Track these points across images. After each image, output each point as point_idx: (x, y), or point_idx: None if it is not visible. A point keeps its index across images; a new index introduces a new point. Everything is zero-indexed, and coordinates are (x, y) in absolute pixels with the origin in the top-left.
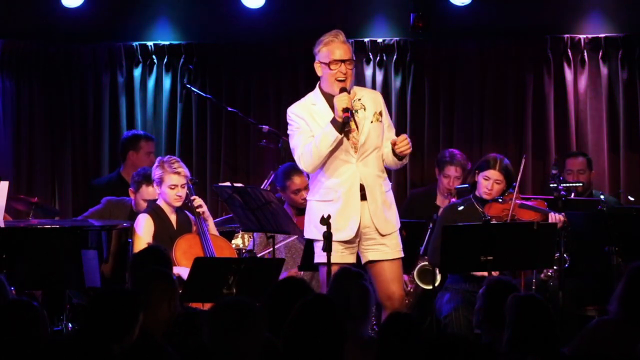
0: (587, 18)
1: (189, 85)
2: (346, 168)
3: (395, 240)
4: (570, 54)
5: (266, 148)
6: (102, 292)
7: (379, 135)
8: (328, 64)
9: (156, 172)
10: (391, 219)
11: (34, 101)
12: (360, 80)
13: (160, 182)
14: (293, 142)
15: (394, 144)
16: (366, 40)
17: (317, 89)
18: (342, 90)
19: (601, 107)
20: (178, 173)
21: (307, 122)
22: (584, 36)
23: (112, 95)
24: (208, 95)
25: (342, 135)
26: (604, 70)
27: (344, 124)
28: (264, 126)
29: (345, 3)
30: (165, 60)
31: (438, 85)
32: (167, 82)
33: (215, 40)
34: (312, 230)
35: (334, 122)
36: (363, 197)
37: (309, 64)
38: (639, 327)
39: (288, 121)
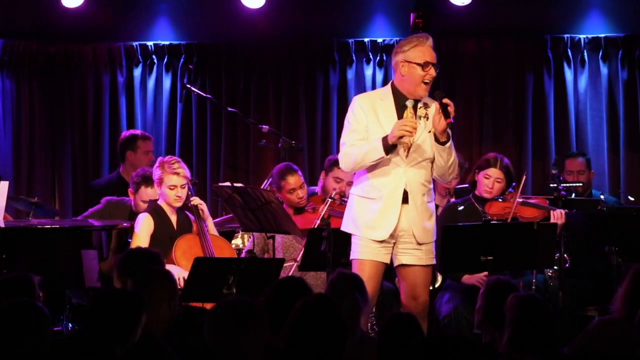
0: (587, 18)
1: (189, 85)
2: (394, 170)
3: (430, 248)
4: (570, 54)
5: (266, 148)
6: (104, 293)
7: (432, 147)
8: (422, 65)
9: (156, 173)
10: (430, 230)
11: (34, 101)
12: (360, 81)
13: (160, 182)
14: (343, 137)
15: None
16: (366, 40)
17: (389, 86)
18: (436, 93)
19: (601, 107)
20: (177, 174)
21: (367, 116)
22: (584, 36)
23: (112, 95)
24: (208, 95)
25: (387, 156)
26: (604, 70)
27: (394, 146)
28: (264, 126)
29: (345, 3)
30: (165, 60)
31: (438, 86)
32: (167, 82)
33: (215, 40)
34: (350, 224)
35: (384, 140)
36: (405, 201)
37: (309, 64)
38: None
39: (350, 110)
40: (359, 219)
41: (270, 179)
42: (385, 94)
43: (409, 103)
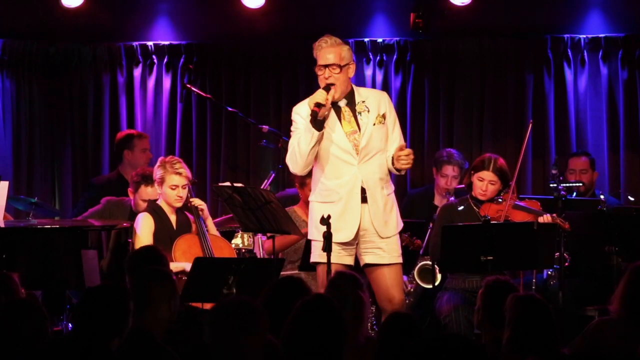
0: (587, 18)
1: (189, 85)
2: (347, 170)
3: (394, 245)
4: (570, 54)
5: (266, 148)
6: (87, 290)
7: (382, 138)
8: (319, 69)
9: (157, 172)
10: (391, 223)
11: (34, 101)
12: (360, 80)
13: (162, 182)
14: (289, 143)
15: (396, 157)
16: (366, 40)
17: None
18: (327, 86)
19: (601, 107)
20: (179, 174)
21: (307, 120)
22: (584, 36)
23: (112, 95)
24: (208, 95)
25: (320, 132)
26: (604, 70)
27: (322, 121)
28: (264, 126)
29: (345, 3)
30: (165, 60)
31: (438, 85)
32: (167, 82)
33: (215, 40)
34: (313, 231)
35: (311, 119)
36: (364, 199)
37: (309, 64)
38: (639, 327)
39: (292, 119)
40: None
41: (271, 179)
42: None
43: (342, 103)
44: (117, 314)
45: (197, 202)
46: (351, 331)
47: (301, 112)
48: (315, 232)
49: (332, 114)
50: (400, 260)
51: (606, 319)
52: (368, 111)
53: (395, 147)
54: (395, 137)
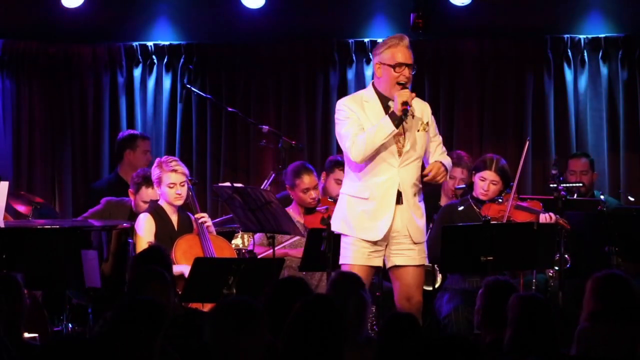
0: (587, 18)
1: (189, 85)
2: (387, 170)
3: (423, 247)
4: (570, 54)
5: (266, 148)
6: (128, 303)
7: (422, 145)
8: (393, 67)
9: (155, 173)
10: (423, 229)
11: (34, 101)
12: (360, 81)
13: (159, 182)
14: (343, 131)
15: (427, 174)
16: (366, 40)
17: (370, 87)
18: (403, 87)
19: (601, 107)
20: (175, 171)
21: (358, 114)
22: (584, 36)
23: (112, 95)
24: (208, 95)
25: (397, 129)
26: (604, 70)
27: (401, 119)
28: (264, 126)
29: (345, 3)
30: (165, 60)
31: (438, 85)
32: (167, 82)
33: (215, 40)
34: (341, 224)
35: (392, 115)
36: (399, 201)
37: (309, 64)
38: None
39: (337, 111)
40: (352, 219)
41: (271, 179)
42: (369, 95)
43: (392, 104)
44: (150, 333)
45: (203, 218)
46: (352, 331)
47: (350, 104)
48: (344, 226)
49: (381, 111)
50: (426, 261)
51: (586, 328)
52: (413, 117)
53: (438, 153)
54: (434, 146)
